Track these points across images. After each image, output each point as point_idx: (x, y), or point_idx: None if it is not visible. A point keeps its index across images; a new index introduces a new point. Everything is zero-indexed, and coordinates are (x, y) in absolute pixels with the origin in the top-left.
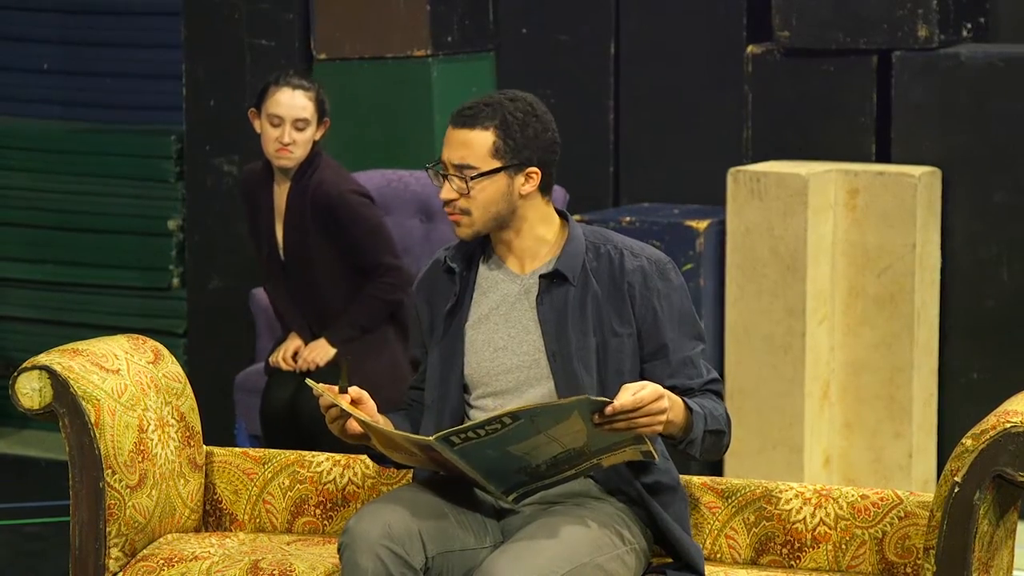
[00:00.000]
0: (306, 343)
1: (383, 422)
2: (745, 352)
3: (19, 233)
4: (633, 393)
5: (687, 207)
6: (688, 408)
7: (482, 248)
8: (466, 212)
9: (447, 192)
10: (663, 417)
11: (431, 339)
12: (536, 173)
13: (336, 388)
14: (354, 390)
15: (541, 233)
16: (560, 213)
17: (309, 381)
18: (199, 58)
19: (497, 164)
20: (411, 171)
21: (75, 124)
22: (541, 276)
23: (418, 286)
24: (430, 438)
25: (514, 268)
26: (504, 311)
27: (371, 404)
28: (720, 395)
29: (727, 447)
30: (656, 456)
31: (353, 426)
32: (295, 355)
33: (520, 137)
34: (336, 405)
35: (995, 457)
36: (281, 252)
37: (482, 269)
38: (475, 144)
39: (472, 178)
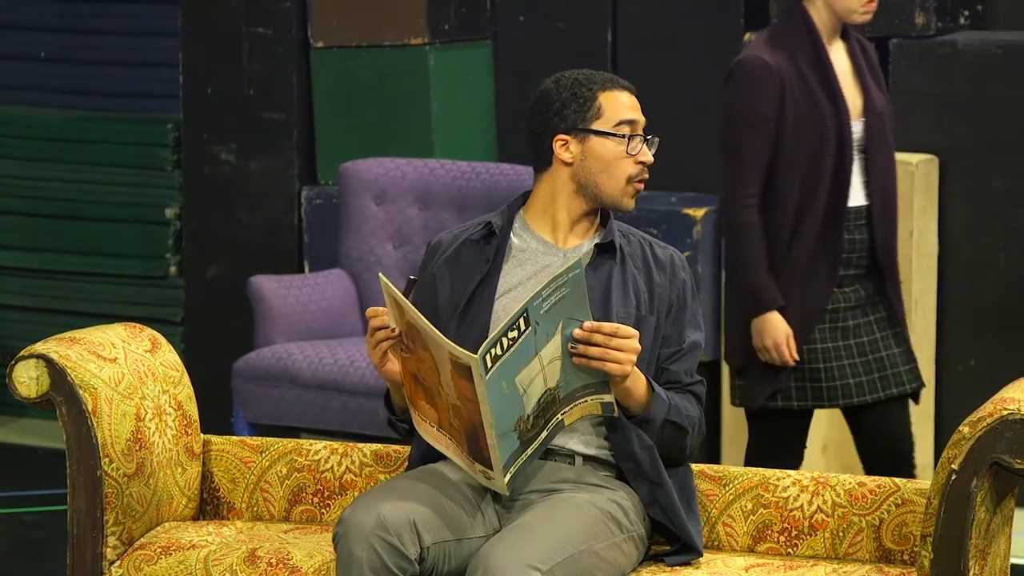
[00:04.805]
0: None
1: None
2: None
3: (16, 221)
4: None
5: (684, 195)
6: (651, 388)
7: (510, 222)
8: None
9: (648, 155)
10: (634, 357)
11: (450, 310)
12: None
13: (400, 298)
14: None
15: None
16: None
17: (381, 276)
18: (197, 46)
19: None
20: (408, 159)
21: (72, 112)
22: (596, 245)
23: (441, 260)
24: (474, 355)
25: (554, 241)
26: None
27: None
28: (699, 397)
29: (690, 451)
30: (616, 410)
31: (392, 364)
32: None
33: None
34: (386, 327)
35: (992, 444)
36: (858, 117)
37: (513, 240)
38: None
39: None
